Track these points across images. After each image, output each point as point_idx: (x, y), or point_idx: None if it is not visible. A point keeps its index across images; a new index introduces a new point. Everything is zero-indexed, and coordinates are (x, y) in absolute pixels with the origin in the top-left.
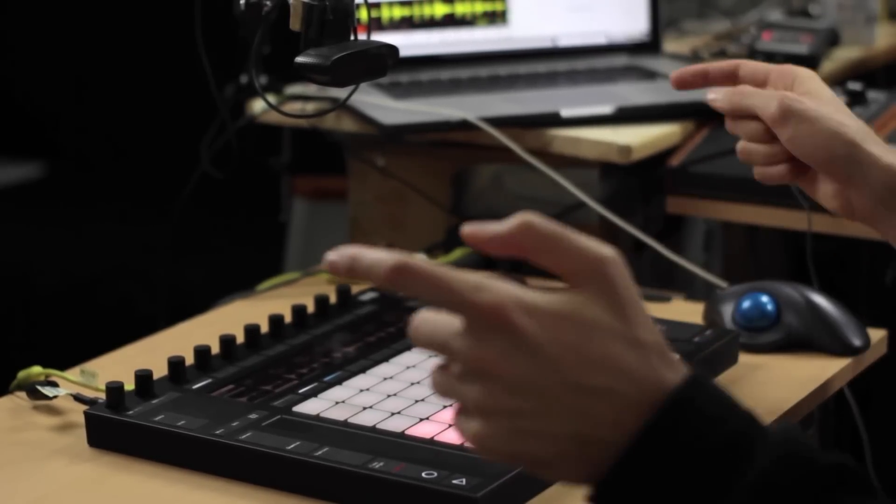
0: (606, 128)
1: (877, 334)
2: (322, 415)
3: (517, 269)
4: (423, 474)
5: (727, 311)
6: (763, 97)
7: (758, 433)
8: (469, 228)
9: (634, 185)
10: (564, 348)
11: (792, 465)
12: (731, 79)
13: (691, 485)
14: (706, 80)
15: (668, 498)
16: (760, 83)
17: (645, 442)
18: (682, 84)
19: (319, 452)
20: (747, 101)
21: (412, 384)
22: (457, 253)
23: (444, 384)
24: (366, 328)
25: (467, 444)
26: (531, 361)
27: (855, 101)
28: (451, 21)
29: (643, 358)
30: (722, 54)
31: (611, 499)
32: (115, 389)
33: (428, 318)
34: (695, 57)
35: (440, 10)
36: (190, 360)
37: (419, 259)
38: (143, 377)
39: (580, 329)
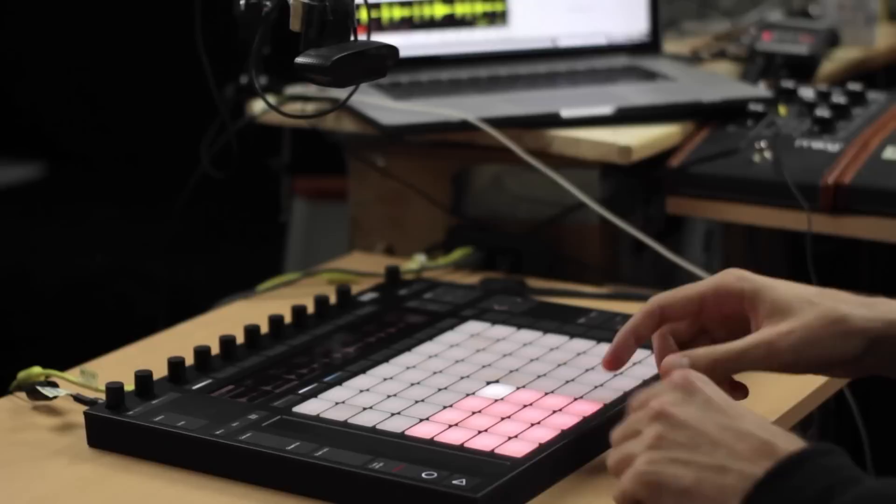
0: (606, 128)
1: None
2: (322, 415)
3: (517, 269)
4: (423, 474)
5: None
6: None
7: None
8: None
9: (634, 185)
10: (727, 401)
11: (882, 495)
12: (658, 325)
13: (811, 497)
14: (635, 343)
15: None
16: (693, 313)
17: (776, 473)
18: (619, 357)
19: (319, 453)
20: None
21: (412, 385)
22: (457, 253)
23: (632, 421)
24: (366, 328)
25: (629, 482)
26: (700, 408)
27: (855, 101)
28: (450, 21)
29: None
30: (722, 54)
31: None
32: (115, 390)
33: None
34: (695, 57)
35: (440, 10)
36: (190, 360)
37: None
38: (143, 377)
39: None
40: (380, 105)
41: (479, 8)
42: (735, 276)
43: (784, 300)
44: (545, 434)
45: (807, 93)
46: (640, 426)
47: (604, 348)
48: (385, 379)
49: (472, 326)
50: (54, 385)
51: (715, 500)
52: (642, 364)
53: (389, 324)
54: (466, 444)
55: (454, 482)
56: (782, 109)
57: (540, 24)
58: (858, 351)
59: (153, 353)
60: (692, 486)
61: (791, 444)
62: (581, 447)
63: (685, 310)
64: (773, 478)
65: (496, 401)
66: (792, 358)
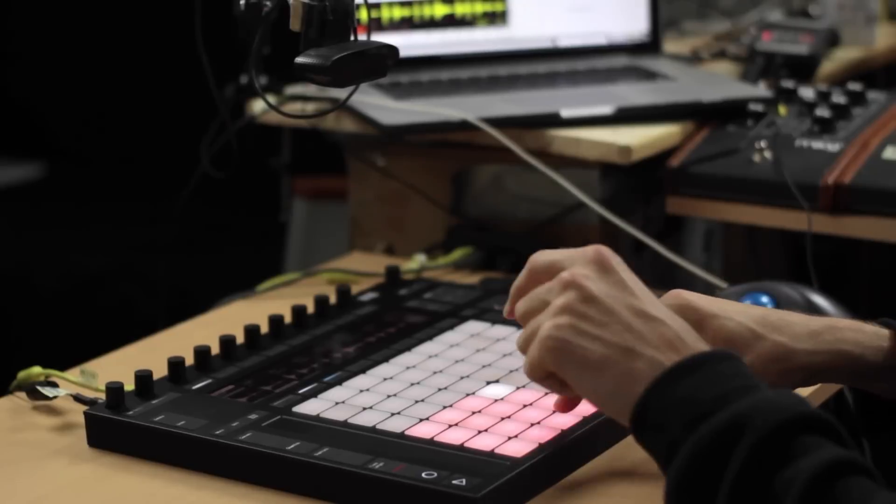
0: (606, 128)
1: None
2: (322, 415)
3: (517, 269)
4: (423, 474)
5: None
6: None
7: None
8: (505, 308)
9: (634, 185)
10: (640, 287)
11: (776, 407)
12: None
13: (707, 400)
14: None
15: (691, 407)
16: None
17: (684, 366)
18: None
19: (319, 452)
20: None
21: (412, 384)
22: (457, 253)
23: (541, 293)
24: (366, 328)
25: (535, 349)
26: (613, 287)
27: (855, 101)
28: (450, 21)
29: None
30: (722, 54)
31: (653, 401)
32: (115, 390)
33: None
34: (695, 57)
35: (440, 10)
36: (190, 360)
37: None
38: (143, 377)
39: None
40: (380, 105)
41: (479, 8)
42: (677, 306)
43: (726, 333)
44: (545, 434)
45: (807, 93)
46: (548, 296)
47: None
48: (385, 379)
49: (472, 326)
50: (54, 385)
51: (619, 381)
52: None
53: (389, 324)
54: (466, 444)
55: (454, 482)
56: (782, 109)
57: (540, 24)
58: (799, 383)
59: (153, 353)
60: (599, 361)
61: (697, 342)
62: (581, 447)
63: None
64: (681, 371)
65: (496, 401)
66: None
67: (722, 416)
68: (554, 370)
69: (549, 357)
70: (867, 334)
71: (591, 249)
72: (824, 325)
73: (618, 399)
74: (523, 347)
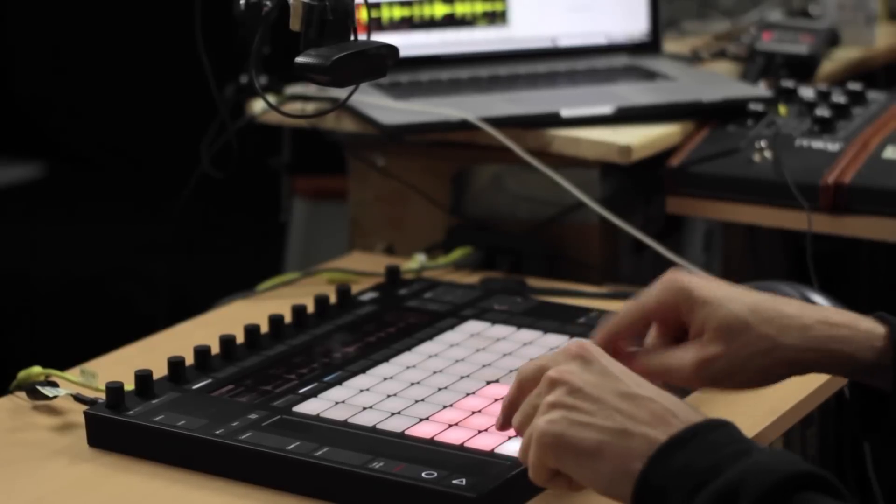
0: (606, 128)
1: None
2: (322, 415)
3: (517, 269)
4: (423, 474)
5: None
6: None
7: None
8: (497, 422)
9: (634, 185)
10: (623, 371)
11: (769, 469)
12: (611, 352)
13: (701, 470)
14: None
15: (686, 479)
16: (644, 328)
17: (679, 439)
18: None
19: (319, 452)
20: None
21: (412, 384)
22: (457, 253)
23: (532, 399)
24: (366, 328)
25: (533, 447)
26: (597, 375)
27: (855, 101)
28: (450, 21)
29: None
30: (722, 54)
31: (651, 478)
32: (115, 389)
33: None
34: (695, 57)
35: (440, 10)
36: (190, 360)
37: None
38: (143, 377)
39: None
40: (380, 105)
41: (479, 8)
42: (673, 291)
43: (715, 322)
44: None
45: (807, 92)
46: (538, 399)
47: None
48: (385, 378)
49: (472, 326)
50: (54, 385)
51: (617, 463)
52: None
53: (389, 323)
54: (466, 444)
55: (454, 482)
56: (782, 109)
57: (540, 23)
58: (784, 376)
59: (153, 353)
60: (595, 447)
61: (689, 413)
62: None
63: (634, 330)
64: (675, 444)
65: (496, 400)
66: (715, 381)
67: (717, 483)
68: (554, 465)
69: (547, 453)
70: (861, 332)
71: (572, 345)
72: (817, 318)
73: (618, 480)
74: (523, 456)
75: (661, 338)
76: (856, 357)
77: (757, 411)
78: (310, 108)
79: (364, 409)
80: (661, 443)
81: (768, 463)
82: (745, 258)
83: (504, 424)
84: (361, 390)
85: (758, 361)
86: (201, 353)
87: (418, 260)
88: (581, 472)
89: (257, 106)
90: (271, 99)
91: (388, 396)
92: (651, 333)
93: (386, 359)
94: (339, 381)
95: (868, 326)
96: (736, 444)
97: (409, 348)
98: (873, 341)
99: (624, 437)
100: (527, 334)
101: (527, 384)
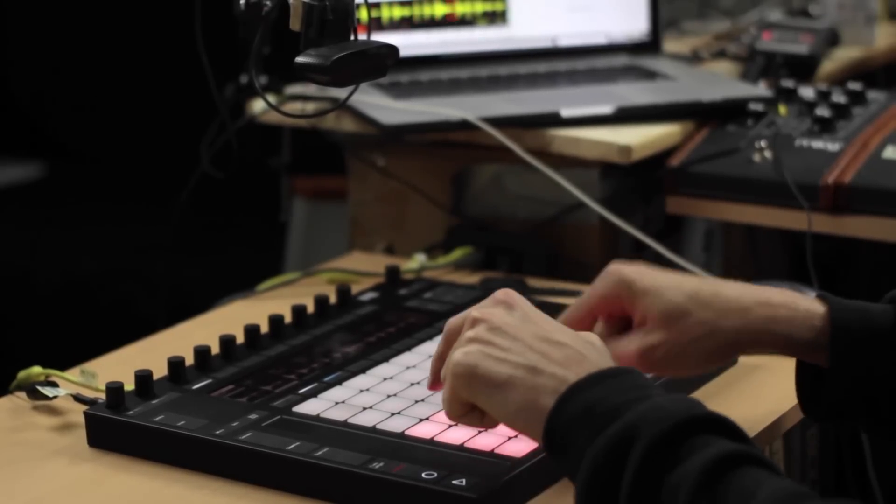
0: (606, 128)
1: None
2: (322, 415)
3: (517, 269)
4: (423, 475)
5: None
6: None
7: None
8: (428, 382)
9: (634, 185)
10: (543, 318)
11: (665, 413)
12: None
13: (603, 412)
14: None
15: (589, 421)
16: (592, 322)
17: (583, 380)
18: None
19: (319, 453)
20: None
21: (412, 384)
22: (457, 253)
23: (455, 325)
24: (366, 328)
25: (448, 372)
26: (517, 318)
27: (855, 101)
28: (450, 21)
29: (595, 343)
30: (722, 54)
31: (561, 415)
32: (115, 389)
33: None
34: (695, 57)
35: (440, 10)
36: (190, 360)
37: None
38: (143, 377)
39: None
40: (380, 105)
41: (479, 7)
42: (614, 283)
43: (656, 311)
44: None
45: (807, 92)
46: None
47: None
48: (385, 379)
49: None
50: (54, 385)
51: (526, 398)
52: None
53: (389, 323)
54: (466, 444)
55: (454, 482)
56: (782, 109)
57: (540, 23)
58: (726, 357)
59: (153, 353)
60: (506, 380)
61: (602, 359)
62: None
63: (583, 325)
64: (581, 386)
65: None
66: (659, 367)
67: (615, 426)
68: (466, 396)
69: (459, 383)
70: (800, 312)
71: (498, 292)
72: (757, 300)
73: (526, 415)
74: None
75: (608, 329)
76: (794, 337)
77: (757, 411)
78: (310, 108)
79: (364, 409)
80: (570, 382)
81: (665, 407)
82: (745, 258)
83: (434, 382)
84: (361, 390)
85: (699, 346)
86: (201, 353)
87: (418, 260)
88: (490, 404)
89: (257, 106)
90: (271, 99)
91: (388, 397)
92: (598, 326)
93: (386, 359)
94: (338, 382)
95: (808, 306)
96: (638, 389)
97: (409, 348)
98: (813, 321)
99: (535, 373)
100: None
101: (453, 334)
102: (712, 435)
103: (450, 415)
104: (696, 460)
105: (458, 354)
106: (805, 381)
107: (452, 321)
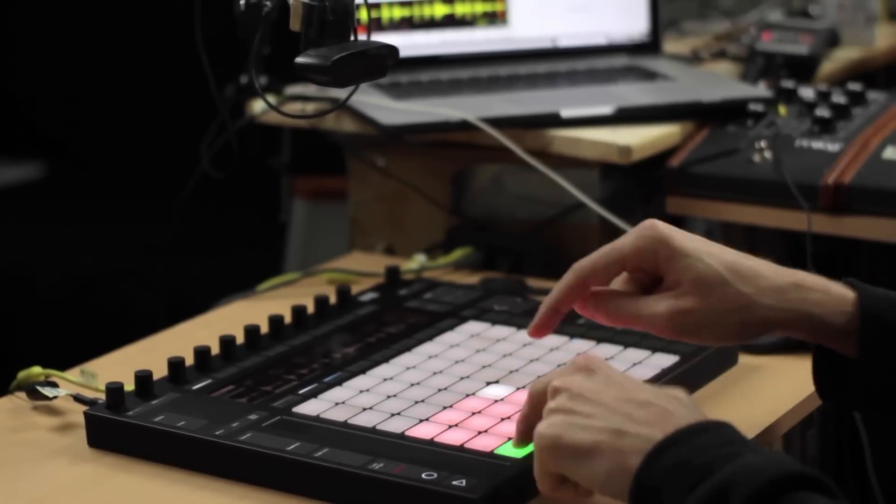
0: (606, 128)
1: None
2: (322, 416)
3: (517, 269)
4: (423, 475)
5: None
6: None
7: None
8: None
9: (634, 185)
10: (625, 378)
11: (760, 469)
12: (583, 295)
13: (694, 469)
14: (560, 314)
15: (680, 478)
16: (617, 273)
17: (671, 436)
18: (544, 330)
19: (319, 453)
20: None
21: (412, 385)
22: (457, 253)
23: (539, 390)
24: (366, 329)
25: (535, 445)
26: (599, 383)
27: (855, 101)
28: (450, 21)
29: (681, 399)
30: (722, 54)
31: (645, 477)
32: (114, 390)
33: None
34: (695, 57)
35: (440, 10)
36: (190, 360)
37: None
38: (143, 378)
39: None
40: (380, 105)
41: (479, 8)
42: (651, 238)
43: (694, 274)
44: None
45: (807, 93)
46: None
47: (604, 348)
48: (385, 379)
49: (472, 326)
50: (54, 385)
51: (613, 462)
52: (642, 365)
53: (389, 324)
54: (466, 445)
55: (454, 483)
56: (782, 109)
57: (540, 24)
58: (756, 334)
59: (153, 353)
60: (591, 447)
61: (687, 414)
62: None
63: (608, 274)
64: (670, 442)
65: (496, 401)
66: (686, 332)
67: (706, 486)
68: (555, 469)
69: (546, 456)
70: (832, 297)
71: (579, 358)
72: (791, 281)
73: (615, 478)
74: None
75: (630, 284)
76: (826, 321)
77: (757, 412)
78: (310, 108)
79: (364, 409)
80: (656, 441)
81: (760, 464)
82: None
83: (519, 441)
84: (361, 391)
85: (732, 318)
86: (201, 353)
87: (418, 260)
88: (579, 473)
89: (257, 106)
90: (271, 99)
91: (388, 397)
92: (619, 279)
93: (386, 359)
94: (338, 382)
95: (839, 291)
96: (730, 444)
97: (408, 349)
98: (844, 306)
99: (620, 436)
100: (527, 335)
101: (538, 398)
102: (807, 492)
103: (542, 489)
104: None
105: (542, 426)
106: (823, 368)
107: (536, 386)
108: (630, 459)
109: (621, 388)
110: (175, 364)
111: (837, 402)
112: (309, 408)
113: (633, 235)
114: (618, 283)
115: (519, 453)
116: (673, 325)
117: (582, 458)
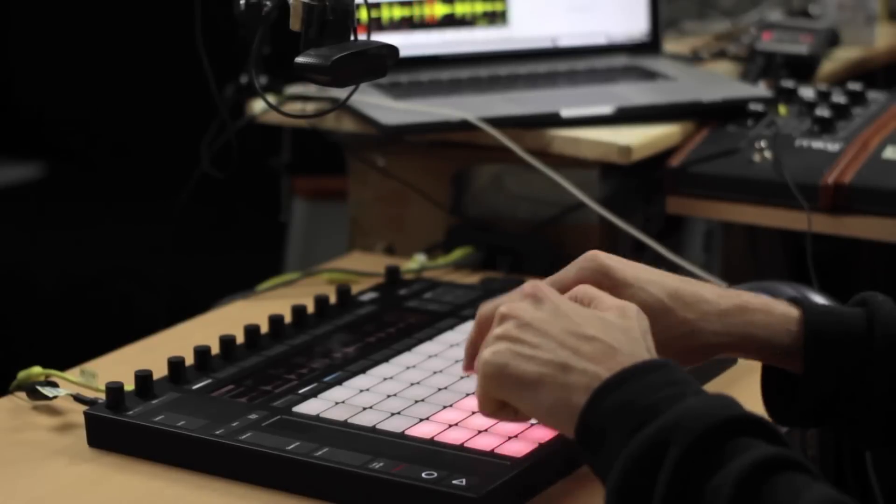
0: (606, 128)
1: None
2: (322, 415)
3: (517, 269)
4: (423, 474)
5: None
6: None
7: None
8: (463, 365)
9: (634, 185)
10: (573, 310)
11: (702, 414)
12: None
13: (637, 411)
14: None
15: (623, 420)
16: None
17: (616, 375)
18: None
19: (319, 453)
20: None
21: (412, 384)
22: (457, 253)
23: (486, 314)
24: (366, 328)
25: (479, 371)
26: (546, 312)
27: (855, 101)
28: (450, 21)
29: (628, 332)
30: (722, 54)
31: (594, 413)
32: (115, 390)
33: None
34: (695, 57)
35: (440, 10)
36: (190, 360)
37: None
38: (143, 377)
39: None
40: (380, 105)
41: (479, 8)
42: (592, 270)
43: (636, 304)
44: (545, 434)
45: (807, 92)
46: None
47: None
48: (385, 379)
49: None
50: (54, 385)
51: (557, 396)
52: None
53: (389, 324)
54: (466, 444)
55: (454, 482)
56: (782, 109)
57: (540, 23)
58: (702, 360)
59: (153, 353)
60: (536, 379)
61: (633, 351)
62: None
63: None
64: (615, 382)
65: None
66: None
67: (649, 429)
68: (498, 396)
69: (490, 383)
70: (776, 317)
71: (527, 285)
72: (735, 304)
73: (559, 413)
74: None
75: None
76: (772, 342)
77: (756, 412)
78: (310, 108)
79: (364, 409)
80: (602, 379)
81: (701, 408)
82: (745, 258)
83: (468, 365)
84: (361, 390)
85: (677, 345)
86: (201, 353)
87: (418, 260)
88: (522, 402)
89: (257, 106)
90: (271, 99)
91: (388, 396)
92: None
93: (386, 359)
94: (338, 382)
95: (783, 310)
96: (673, 385)
97: (409, 348)
98: (788, 325)
99: (565, 370)
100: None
101: (485, 323)
102: (752, 438)
103: (482, 411)
104: (733, 467)
105: (487, 353)
106: (772, 387)
107: (484, 309)
108: (574, 396)
109: (568, 320)
110: (175, 364)
111: (788, 421)
112: (309, 407)
113: (575, 267)
114: None
115: (519, 453)
116: None
117: (525, 389)
